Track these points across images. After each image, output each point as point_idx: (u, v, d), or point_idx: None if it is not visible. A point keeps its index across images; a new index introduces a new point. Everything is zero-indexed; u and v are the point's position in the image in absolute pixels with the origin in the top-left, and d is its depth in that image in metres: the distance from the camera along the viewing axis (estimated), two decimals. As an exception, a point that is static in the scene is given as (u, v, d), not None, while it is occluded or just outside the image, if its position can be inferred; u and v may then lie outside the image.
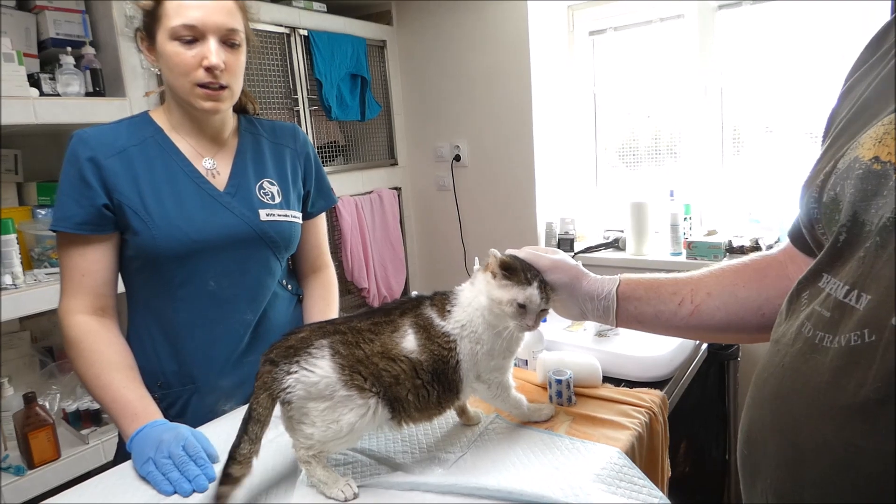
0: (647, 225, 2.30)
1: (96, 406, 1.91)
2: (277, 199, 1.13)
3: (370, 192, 2.68)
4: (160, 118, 1.09)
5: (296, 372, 0.77)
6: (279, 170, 1.16)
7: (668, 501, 0.77)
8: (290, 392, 0.77)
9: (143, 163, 1.03)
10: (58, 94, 1.71)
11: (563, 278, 0.84)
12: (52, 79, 1.71)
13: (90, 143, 1.00)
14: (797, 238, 0.69)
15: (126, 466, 0.89)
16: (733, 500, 1.91)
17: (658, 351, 1.07)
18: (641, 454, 0.89)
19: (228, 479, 0.74)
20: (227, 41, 1.01)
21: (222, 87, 1.01)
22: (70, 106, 1.69)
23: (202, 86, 1.00)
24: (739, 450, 0.56)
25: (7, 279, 1.67)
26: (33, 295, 1.66)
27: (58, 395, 1.96)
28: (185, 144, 1.08)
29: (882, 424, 0.40)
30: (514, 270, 0.82)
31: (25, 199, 2.00)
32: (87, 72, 1.75)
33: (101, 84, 1.78)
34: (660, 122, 2.56)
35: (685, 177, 2.45)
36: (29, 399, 1.70)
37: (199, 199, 1.05)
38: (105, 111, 1.74)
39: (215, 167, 1.09)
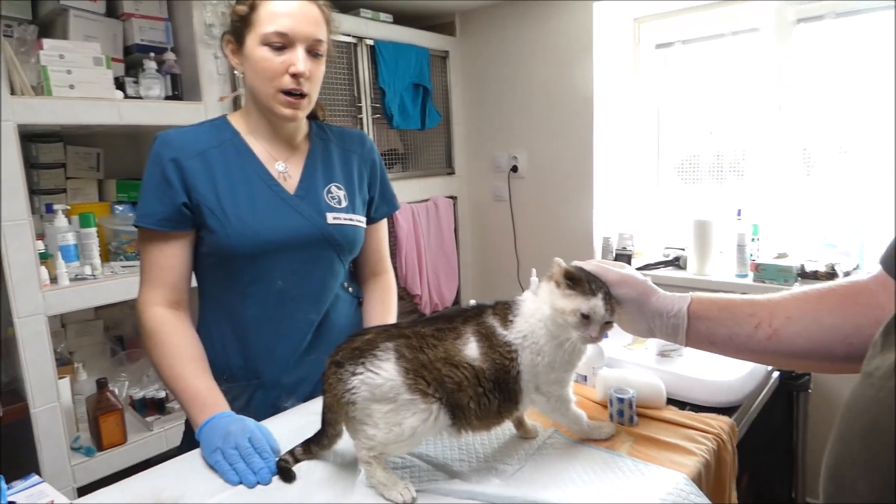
0: (710, 244, 2.22)
1: (161, 395, 2.00)
2: (344, 204, 1.15)
3: (426, 200, 2.71)
4: (237, 122, 1.13)
5: (361, 373, 0.78)
6: (346, 175, 1.19)
7: (737, 534, 0.74)
8: (354, 393, 0.78)
9: (221, 165, 1.08)
10: (140, 97, 1.82)
11: (632, 293, 0.82)
12: (136, 82, 1.82)
13: (173, 145, 1.06)
14: (891, 265, 0.65)
15: (195, 454, 0.93)
16: (796, 539, 1.80)
17: (728, 375, 1.03)
18: (708, 483, 0.85)
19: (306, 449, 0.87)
20: (313, 51, 1.04)
21: (302, 95, 1.05)
22: (151, 108, 1.79)
23: (285, 92, 1.03)
24: (824, 487, 0.53)
25: (87, 270, 1.77)
26: (110, 285, 1.76)
27: (126, 382, 2.06)
28: (260, 148, 1.12)
29: None
30: (578, 280, 0.80)
31: (105, 195, 2.12)
32: (168, 76, 1.85)
33: (180, 88, 1.88)
34: (727, 139, 2.47)
35: (753, 196, 2.36)
36: (101, 384, 1.79)
37: (270, 201, 1.09)
38: (182, 114, 1.84)
39: (287, 171, 1.13)
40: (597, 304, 0.79)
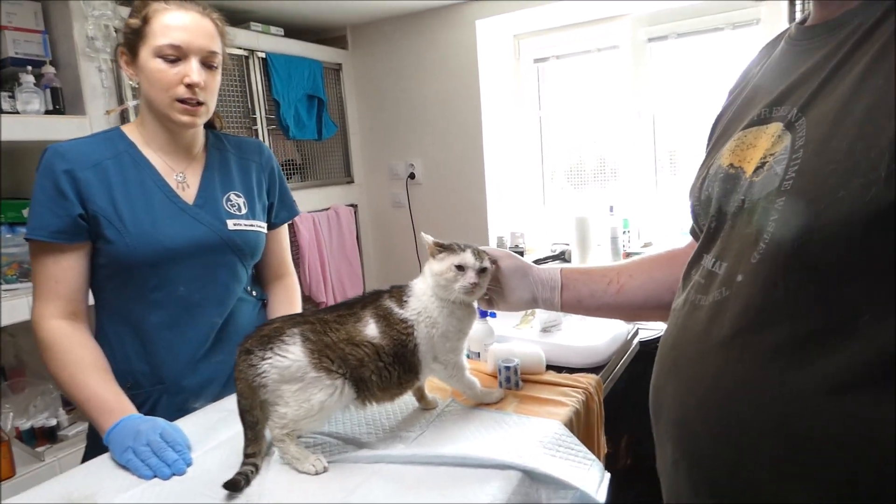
0: (589, 238, 2.47)
1: (52, 423, 1.90)
2: (243, 210, 1.20)
3: (327, 209, 2.76)
4: (132, 133, 1.15)
5: (270, 358, 0.85)
6: (245, 183, 1.24)
7: (601, 463, 0.89)
8: (264, 376, 0.85)
9: (118, 175, 1.09)
10: (17, 112, 1.73)
11: (517, 263, 0.98)
12: (12, 97, 1.74)
13: (66, 157, 1.06)
14: (693, 232, 0.84)
15: (105, 458, 0.94)
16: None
17: (594, 341, 1.20)
18: (579, 428, 1.00)
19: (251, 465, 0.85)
20: (207, 62, 1.09)
21: (199, 104, 1.09)
22: (30, 124, 1.72)
23: (181, 101, 1.08)
24: (650, 397, 0.69)
25: (-39, 295, 1.66)
26: (-10, 310, 1.66)
27: (10, 413, 1.93)
28: (156, 159, 1.14)
29: (734, 353, 0.53)
30: (447, 246, 0.95)
31: (-26, 218, 1.98)
32: (48, 90, 1.78)
33: (62, 102, 1.81)
34: (600, 145, 2.76)
35: (624, 194, 2.65)
36: (-18, 416, 1.68)
37: (169, 210, 1.12)
38: (65, 129, 1.78)
39: (185, 181, 1.16)
40: (466, 255, 0.92)
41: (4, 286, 1.83)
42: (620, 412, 1.49)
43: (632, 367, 1.40)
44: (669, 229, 2.55)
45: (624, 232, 2.47)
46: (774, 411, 0.50)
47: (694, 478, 0.58)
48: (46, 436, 1.89)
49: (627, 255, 2.37)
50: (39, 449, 1.84)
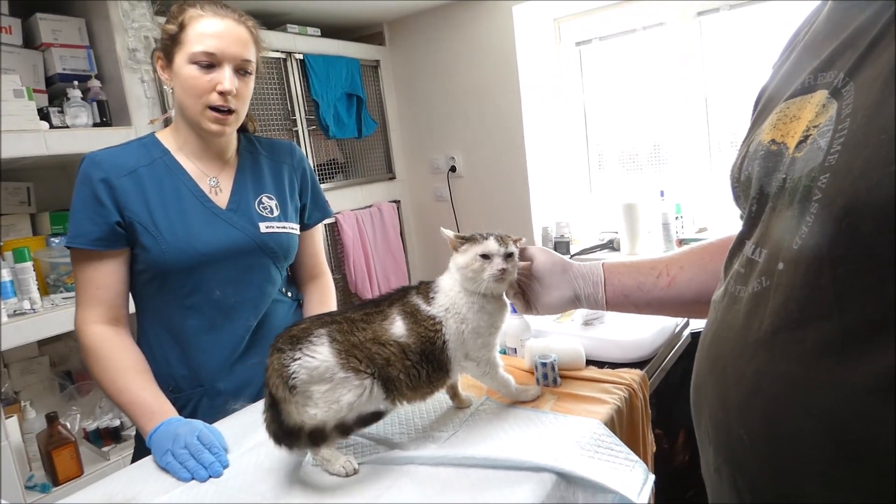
0: (639, 225, 2.37)
1: (116, 423, 1.98)
2: (276, 213, 1.20)
3: (370, 206, 2.77)
4: (167, 140, 1.17)
5: (299, 358, 0.83)
6: (277, 184, 1.24)
7: (644, 465, 0.83)
8: (294, 377, 0.83)
9: (152, 182, 1.11)
10: (67, 126, 1.81)
11: (554, 258, 0.93)
12: (61, 111, 1.82)
13: (102, 165, 1.08)
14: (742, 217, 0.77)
15: (147, 461, 0.96)
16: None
17: (637, 335, 1.14)
18: (622, 426, 0.94)
19: None
20: (240, 69, 1.09)
21: (230, 112, 1.10)
22: (79, 136, 1.79)
23: (213, 108, 1.08)
24: (691, 396, 0.63)
25: (26, 304, 1.75)
26: (51, 318, 1.74)
27: (78, 415, 2.04)
28: (190, 165, 1.15)
29: (777, 351, 0.47)
30: (468, 237, 0.91)
31: (39, 228, 2.10)
32: (94, 103, 1.86)
33: (108, 114, 1.88)
34: (649, 128, 2.64)
35: (676, 178, 2.52)
36: (51, 418, 1.77)
37: (203, 215, 1.13)
38: (112, 139, 1.81)
39: (218, 185, 1.17)
40: (489, 242, 0.88)
41: (64, 294, 1.92)
42: (676, 406, 1.41)
43: (685, 360, 1.31)
44: (727, 213, 2.41)
45: (676, 217, 2.35)
46: (824, 415, 0.44)
47: (738, 486, 0.52)
48: (111, 436, 1.98)
49: (681, 241, 2.25)
50: (105, 448, 1.92)
